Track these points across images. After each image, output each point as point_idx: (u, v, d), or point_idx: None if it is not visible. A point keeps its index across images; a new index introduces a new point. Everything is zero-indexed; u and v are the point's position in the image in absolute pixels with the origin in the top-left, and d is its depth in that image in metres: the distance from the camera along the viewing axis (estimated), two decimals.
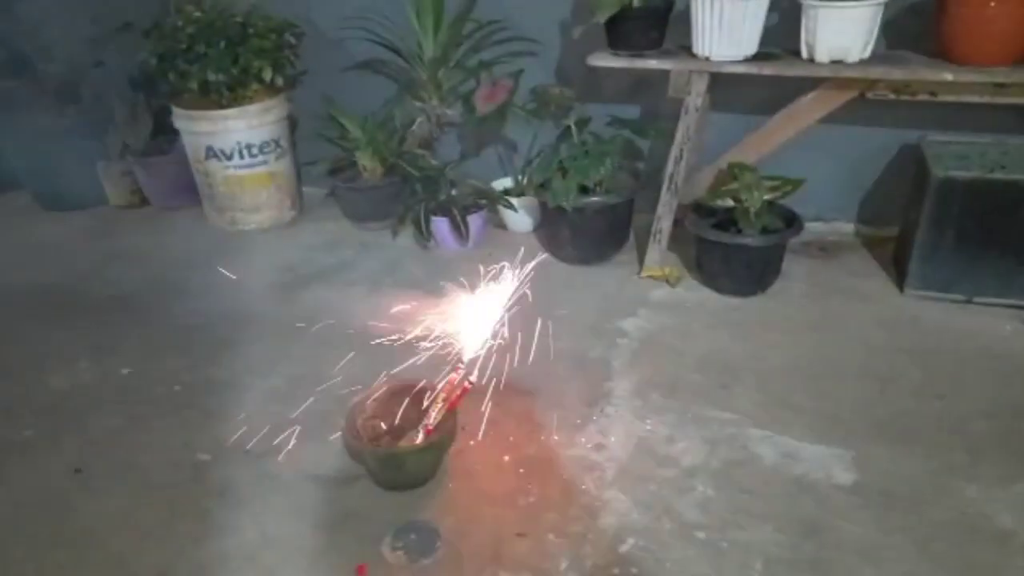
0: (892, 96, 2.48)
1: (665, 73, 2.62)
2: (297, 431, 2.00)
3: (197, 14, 3.00)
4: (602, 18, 2.55)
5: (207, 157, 3.22)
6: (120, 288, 2.90)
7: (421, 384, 1.89)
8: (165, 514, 1.81)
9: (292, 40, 3.19)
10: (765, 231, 2.50)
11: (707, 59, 2.52)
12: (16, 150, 3.61)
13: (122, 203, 3.69)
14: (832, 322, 2.44)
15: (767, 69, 2.44)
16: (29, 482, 1.95)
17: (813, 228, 2.87)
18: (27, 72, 3.51)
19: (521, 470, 1.87)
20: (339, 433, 1.92)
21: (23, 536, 1.78)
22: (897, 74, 2.36)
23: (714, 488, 1.78)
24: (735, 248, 2.52)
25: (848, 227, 2.99)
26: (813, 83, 2.52)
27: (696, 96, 2.58)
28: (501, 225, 3.20)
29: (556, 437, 1.97)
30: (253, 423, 2.07)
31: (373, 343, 2.01)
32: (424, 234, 2.98)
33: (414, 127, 3.15)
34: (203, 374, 2.33)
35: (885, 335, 2.34)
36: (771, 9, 2.46)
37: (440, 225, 2.99)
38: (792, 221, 2.55)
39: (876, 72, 2.37)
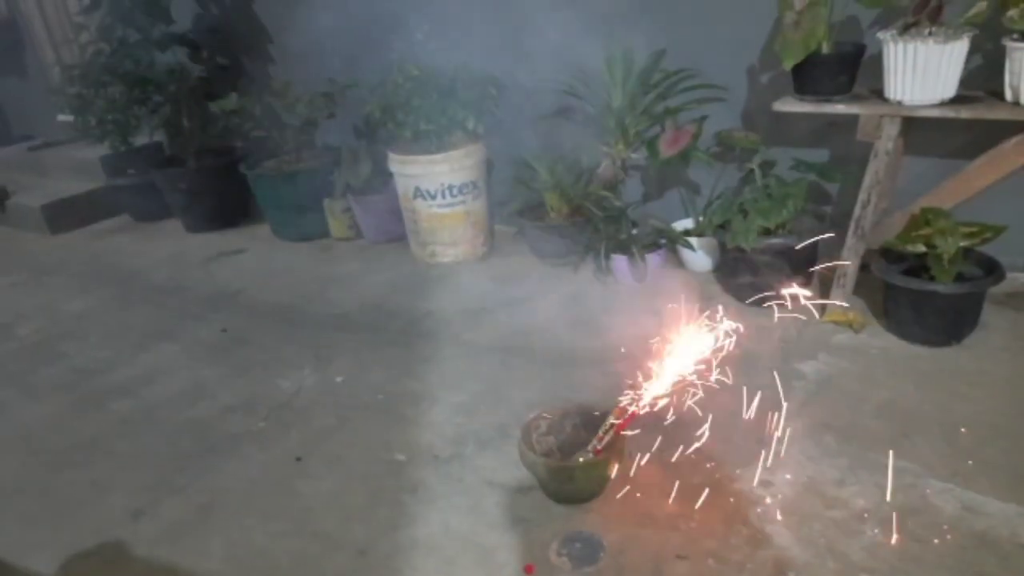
0: None
1: (855, 117, 2.61)
2: (479, 441, 2.22)
3: (415, 72, 3.41)
4: (789, 65, 2.59)
5: (415, 196, 3.62)
6: (337, 308, 3.33)
7: (592, 406, 2.04)
8: (366, 502, 2.09)
9: (493, 92, 3.52)
10: (960, 278, 2.39)
11: (900, 103, 2.48)
12: (262, 188, 4.25)
13: (341, 236, 4.20)
14: None
15: (965, 113, 2.36)
16: (261, 464, 2.32)
17: (1021, 279, 2.68)
18: (275, 123, 4.14)
19: (685, 497, 1.94)
20: (516, 445, 2.10)
21: (253, 507, 2.13)
22: None
23: (885, 534, 1.74)
24: (926, 295, 2.43)
25: None
26: (1018, 127, 2.39)
27: (887, 140, 2.54)
28: (680, 264, 3.28)
29: (723, 470, 2.02)
30: (443, 431, 2.34)
31: (550, 367, 2.19)
32: (604, 270, 3.13)
33: (599, 170, 3.34)
34: (402, 386, 2.63)
35: None
36: (973, 51, 2.39)
37: (619, 262, 3.14)
38: (992, 270, 2.41)
39: None
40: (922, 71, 2.37)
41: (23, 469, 2.44)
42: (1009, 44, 2.27)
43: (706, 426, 2.12)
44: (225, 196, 4.52)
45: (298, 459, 2.31)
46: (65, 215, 4.94)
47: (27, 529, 2.16)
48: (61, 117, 4.91)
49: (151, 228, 4.81)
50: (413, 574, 1.82)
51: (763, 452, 2.07)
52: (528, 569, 1.77)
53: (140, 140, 4.71)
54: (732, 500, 1.92)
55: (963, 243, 2.39)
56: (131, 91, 4.33)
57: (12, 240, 4.93)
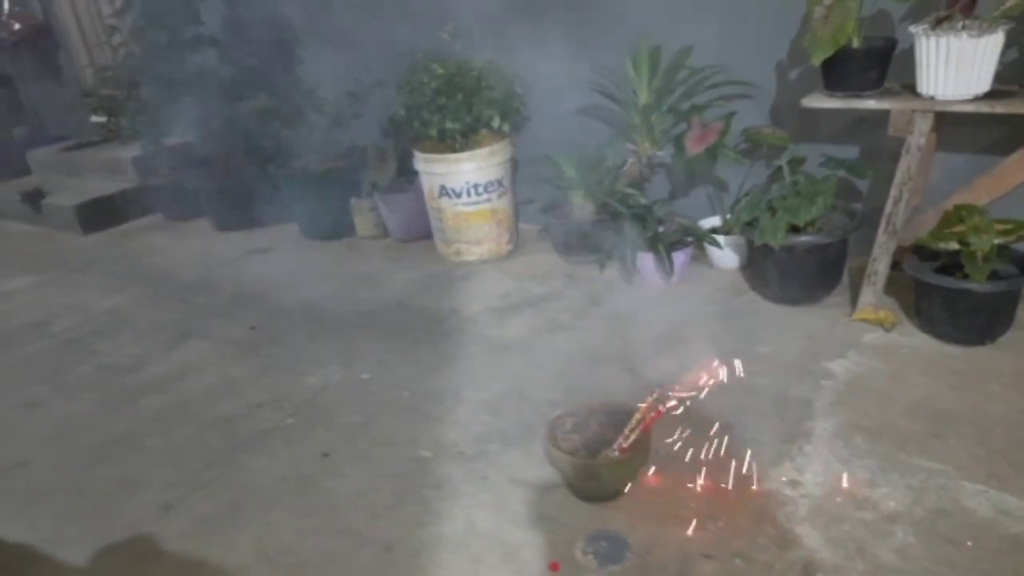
0: None
1: (886, 112, 2.57)
2: (505, 439, 2.22)
3: (440, 71, 3.42)
4: (818, 60, 2.56)
5: (440, 195, 3.63)
6: (364, 306, 3.35)
7: (618, 404, 2.03)
8: (392, 498, 2.10)
9: (519, 90, 3.52)
10: (995, 277, 2.35)
11: (932, 98, 2.43)
12: (290, 187, 4.29)
13: (367, 234, 4.22)
14: None
15: (1000, 108, 2.31)
16: (289, 460, 2.34)
17: None
18: (302, 123, 4.18)
19: (712, 496, 1.93)
20: (541, 443, 2.10)
21: (281, 503, 2.16)
22: None
23: (916, 536, 1.72)
24: (959, 293, 2.38)
25: None
26: None
27: (919, 136, 2.50)
28: (707, 263, 3.26)
29: (750, 469, 2.00)
30: (468, 428, 2.34)
31: (575, 365, 2.18)
32: (629, 268, 3.12)
33: (625, 168, 3.32)
34: (428, 383, 2.64)
35: None
36: (1008, 44, 2.33)
37: (645, 260, 3.12)
38: None
39: None
40: (955, 65, 2.32)
41: (57, 465, 2.49)
42: None
43: (734, 425, 2.11)
44: (254, 195, 4.56)
45: (325, 455, 2.33)
46: (98, 215, 5.04)
47: (60, 522, 2.21)
48: (94, 118, 5.00)
49: (182, 227, 4.89)
50: (439, 571, 1.83)
51: (790, 452, 2.05)
52: (553, 567, 1.77)
53: (171, 140, 4.78)
54: (760, 500, 1.90)
55: (997, 240, 2.34)
56: (162, 92, 4.39)
57: (46, 239, 5.03)
